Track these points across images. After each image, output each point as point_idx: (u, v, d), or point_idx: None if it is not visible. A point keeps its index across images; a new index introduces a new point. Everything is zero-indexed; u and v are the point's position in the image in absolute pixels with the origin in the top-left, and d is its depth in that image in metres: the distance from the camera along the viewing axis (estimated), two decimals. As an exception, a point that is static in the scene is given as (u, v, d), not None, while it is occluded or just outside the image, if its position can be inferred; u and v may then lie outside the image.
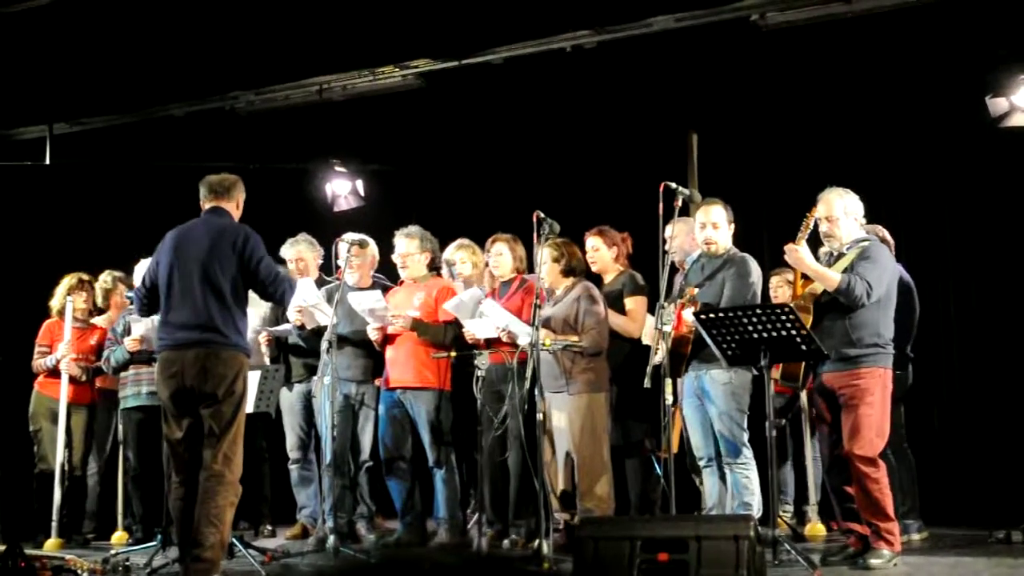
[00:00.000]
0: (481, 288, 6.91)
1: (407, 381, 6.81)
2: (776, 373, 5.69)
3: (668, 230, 6.14)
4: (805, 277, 5.74)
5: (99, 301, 8.00)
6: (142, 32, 8.52)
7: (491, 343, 6.58)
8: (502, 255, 6.86)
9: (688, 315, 5.88)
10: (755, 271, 6.11)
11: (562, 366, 6.41)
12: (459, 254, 7.09)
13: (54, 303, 7.80)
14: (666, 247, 6.13)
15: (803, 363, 5.65)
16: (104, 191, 10.04)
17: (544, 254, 6.46)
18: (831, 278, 5.52)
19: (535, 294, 6.11)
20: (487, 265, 7.03)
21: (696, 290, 6.03)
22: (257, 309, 7.23)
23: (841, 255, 5.71)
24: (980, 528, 6.61)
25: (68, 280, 7.81)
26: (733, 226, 6.19)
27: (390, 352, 6.89)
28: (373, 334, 6.87)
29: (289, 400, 7.33)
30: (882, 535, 5.53)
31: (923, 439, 7.17)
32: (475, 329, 6.62)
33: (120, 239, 8.97)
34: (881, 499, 5.52)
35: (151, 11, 8.22)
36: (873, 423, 5.52)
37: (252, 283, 5.58)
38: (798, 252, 5.55)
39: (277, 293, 5.64)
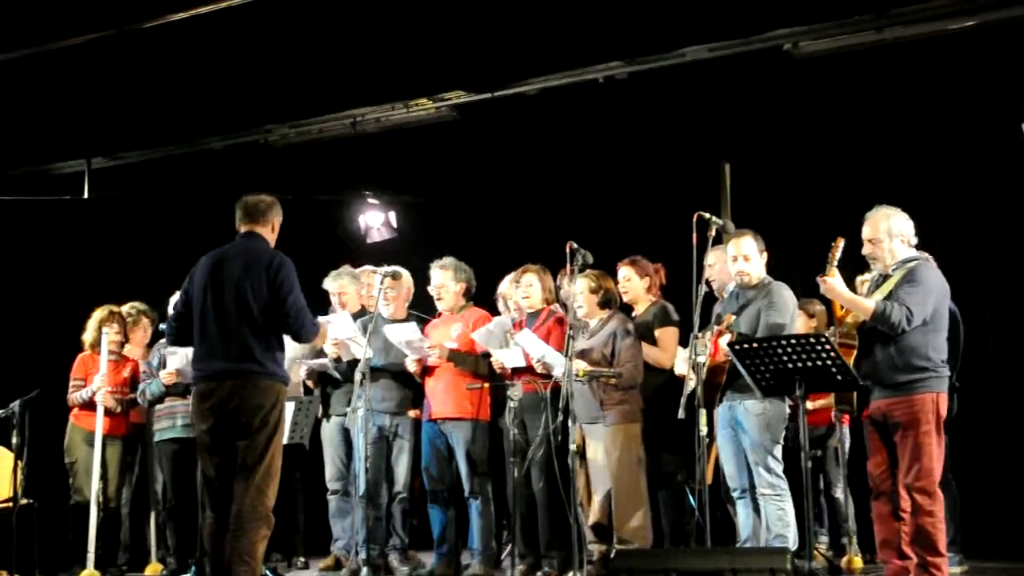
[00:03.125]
0: (511, 317, 6.93)
1: (447, 412, 6.83)
2: (831, 398, 5.59)
3: (710, 258, 6.12)
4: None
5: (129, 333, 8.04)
6: (178, 67, 8.63)
7: (519, 372, 6.57)
8: (532, 286, 6.86)
9: (724, 342, 5.84)
10: (790, 300, 6.06)
11: (598, 397, 6.38)
12: (513, 288, 7.08)
13: (87, 336, 7.84)
14: (707, 276, 6.11)
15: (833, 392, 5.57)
16: (142, 224, 10.13)
17: (581, 284, 6.45)
18: (866, 307, 5.41)
19: (568, 324, 6.10)
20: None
21: (733, 317, 5.99)
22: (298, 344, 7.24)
23: (887, 276, 5.59)
24: (1020, 561, 6.51)
25: (99, 313, 7.84)
26: (765, 255, 6.16)
27: (430, 384, 6.91)
28: (412, 366, 6.89)
29: (328, 431, 7.34)
30: (928, 569, 5.37)
31: (963, 470, 7.06)
32: (504, 358, 6.61)
33: (158, 272, 9.03)
34: (934, 533, 5.37)
35: (186, 46, 8.32)
36: (932, 452, 5.38)
37: (276, 311, 5.42)
38: (829, 283, 5.45)
39: (295, 326, 5.45)
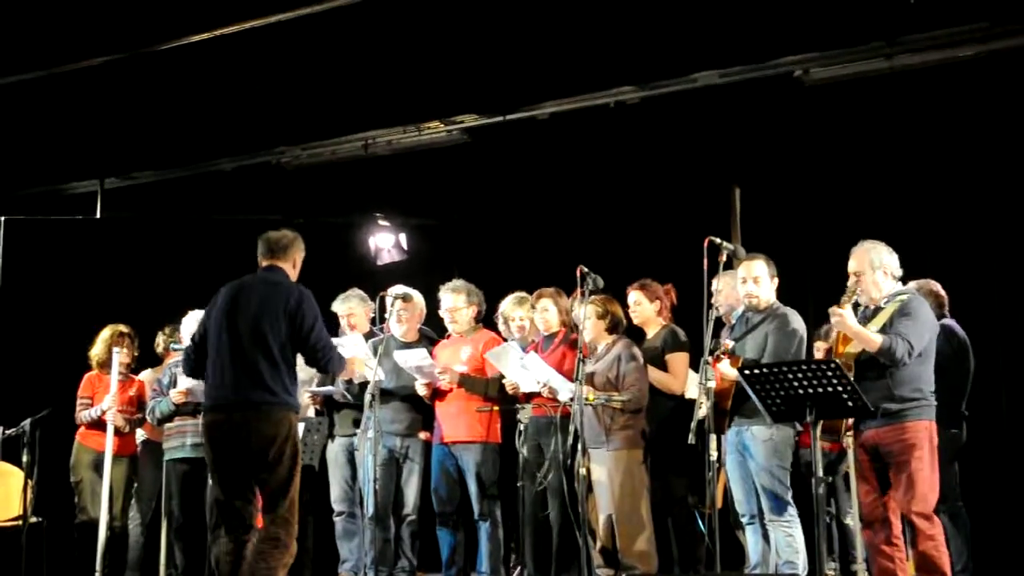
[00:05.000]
0: (524, 342, 6.93)
1: (458, 436, 6.83)
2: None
3: (715, 284, 6.12)
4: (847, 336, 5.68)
5: (159, 351, 8.05)
6: (191, 89, 8.69)
7: (532, 396, 6.58)
8: (548, 311, 6.86)
9: (724, 367, 5.85)
10: (799, 325, 6.07)
11: (602, 422, 6.38)
12: (519, 311, 7.09)
13: (95, 354, 7.85)
14: (712, 301, 6.12)
15: (844, 421, 5.58)
16: (154, 244, 10.16)
17: (588, 310, 6.46)
18: (873, 340, 5.45)
19: (579, 348, 6.11)
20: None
21: (731, 343, 6.00)
22: (306, 367, 7.25)
23: (879, 309, 5.65)
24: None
25: (107, 332, 7.84)
26: (776, 280, 6.17)
27: (441, 408, 6.91)
28: (422, 390, 6.89)
29: (333, 452, 7.34)
30: None
31: (976, 498, 7.04)
32: (518, 380, 6.62)
33: (170, 292, 9.07)
34: (938, 556, 5.40)
35: (199, 69, 8.38)
36: (926, 478, 5.43)
37: (301, 348, 5.50)
38: (841, 315, 5.48)
39: (322, 362, 5.57)
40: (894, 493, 5.49)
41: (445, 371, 6.81)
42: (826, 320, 6.32)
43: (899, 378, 5.50)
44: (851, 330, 5.53)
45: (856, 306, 5.72)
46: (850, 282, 5.69)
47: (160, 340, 8.02)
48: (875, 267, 5.65)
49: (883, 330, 5.52)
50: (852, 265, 5.70)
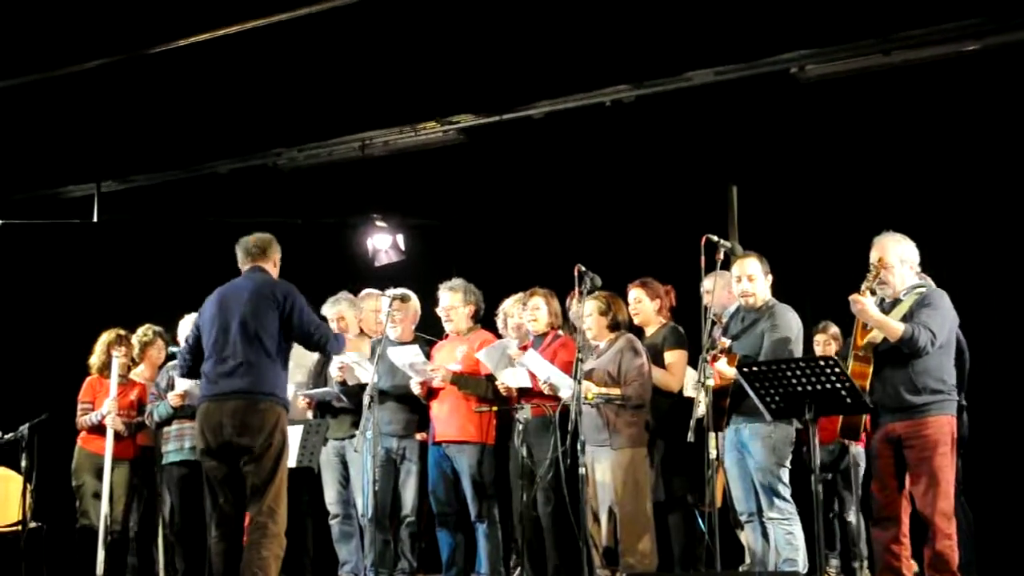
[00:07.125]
0: (522, 340, 6.92)
1: (450, 435, 6.81)
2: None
3: (706, 283, 6.12)
4: (865, 326, 5.67)
5: (135, 355, 8.03)
6: (187, 91, 8.68)
7: (525, 394, 6.57)
8: (539, 309, 6.86)
9: (720, 366, 5.84)
10: (794, 322, 6.05)
11: (605, 419, 6.36)
12: (518, 309, 7.10)
13: (94, 360, 7.84)
14: (705, 302, 6.11)
15: (863, 417, 5.56)
16: (151, 248, 10.16)
17: (590, 306, 6.45)
18: (894, 328, 5.43)
19: (578, 348, 6.10)
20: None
21: (727, 341, 5.99)
22: (300, 369, 7.25)
23: (898, 301, 5.63)
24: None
25: (107, 336, 7.83)
26: (770, 277, 6.16)
27: (434, 407, 6.89)
28: (416, 388, 6.88)
29: (326, 456, 7.31)
30: None
31: (980, 491, 7.02)
32: (508, 379, 6.61)
33: (167, 295, 9.05)
34: (951, 556, 5.39)
35: (195, 71, 8.38)
36: (949, 475, 5.42)
37: (294, 336, 5.72)
38: (862, 302, 5.45)
39: (320, 342, 5.80)
40: (914, 490, 5.46)
41: (437, 369, 6.80)
42: (824, 316, 6.32)
43: (921, 369, 5.46)
44: (872, 318, 5.49)
45: (872, 293, 5.71)
46: (871, 271, 5.67)
47: (135, 342, 7.97)
48: (903, 260, 5.64)
49: (905, 320, 5.49)
50: (875, 256, 5.66)
